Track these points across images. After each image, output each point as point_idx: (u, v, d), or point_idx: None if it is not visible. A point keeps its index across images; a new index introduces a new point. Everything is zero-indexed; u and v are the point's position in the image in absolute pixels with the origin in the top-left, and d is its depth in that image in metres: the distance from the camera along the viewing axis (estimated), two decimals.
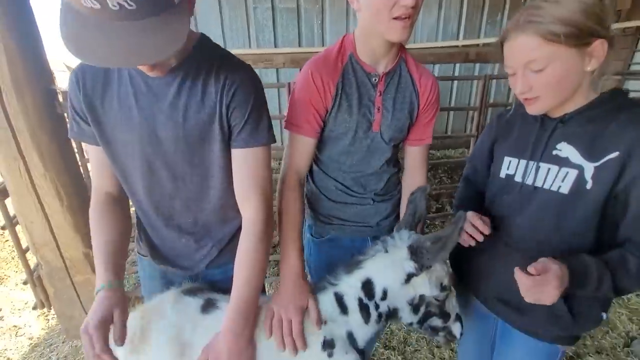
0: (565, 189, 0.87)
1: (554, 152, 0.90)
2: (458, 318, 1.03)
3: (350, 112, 1.12)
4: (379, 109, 1.14)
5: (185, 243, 1.06)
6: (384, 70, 1.12)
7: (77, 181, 1.91)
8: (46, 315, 2.33)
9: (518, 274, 0.80)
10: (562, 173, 0.87)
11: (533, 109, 0.90)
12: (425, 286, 0.95)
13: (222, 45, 1.00)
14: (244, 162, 0.95)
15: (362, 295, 0.97)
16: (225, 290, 1.03)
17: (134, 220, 1.12)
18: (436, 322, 1.00)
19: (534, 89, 0.84)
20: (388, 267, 0.95)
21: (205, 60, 0.90)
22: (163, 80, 0.88)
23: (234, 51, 0.98)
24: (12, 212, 1.98)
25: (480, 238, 0.94)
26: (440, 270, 0.95)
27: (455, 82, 5.01)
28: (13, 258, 3.00)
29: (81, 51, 0.64)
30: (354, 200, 1.27)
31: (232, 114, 0.91)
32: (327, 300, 1.00)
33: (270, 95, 4.34)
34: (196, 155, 0.94)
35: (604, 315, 0.96)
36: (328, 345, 0.96)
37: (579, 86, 0.85)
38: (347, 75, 1.11)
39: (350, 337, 0.99)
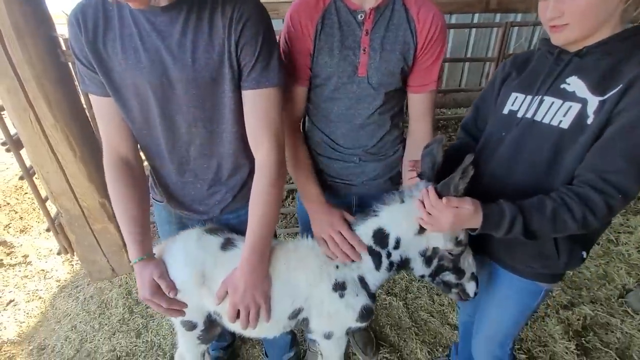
0: (565, 123, 0.85)
1: (562, 86, 0.88)
2: (474, 277, 1.03)
3: (331, 55, 1.04)
4: (364, 50, 1.04)
5: (200, 188, 1.09)
6: (372, 6, 1.01)
7: (87, 132, 1.94)
8: (70, 261, 2.49)
9: (423, 195, 0.90)
10: (565, 107, 0.86)
11: (559, 38, 0.87)
12: (439, 239, 0.95)
13: None
14: (255, 104, 0.94)
15: (372, 243, 1.01)
16: (241, 233, 1.09)
17: (147, 171, 1.14)
18: (449, 277, 1.01)
19: (566, 14, 0.81)
20: (402, 218, 0.97)
21: None
22: (167, 17, 0.84)
23: None
24: (28, 163, 2.04)
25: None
26: None
27: (473, 32, 4.70)
28: (34, 209, 3.15)
29: None
30: (338, 155, 1.22)
31: (242, 52, 0.88)
32: None
33: None
34: (208, 99, 0.93)
35: (584, 253, 0.99)
36: (339, 287, 1.03)
37: (610, 18, 0.81)
38: (328, 15, 1.03)
39: (362, 281, 1.05)
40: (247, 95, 0.94)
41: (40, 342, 1.91)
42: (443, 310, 2.06)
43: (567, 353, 1.78)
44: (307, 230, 1.17)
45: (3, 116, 1.94)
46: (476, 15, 4.47)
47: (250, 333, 1.10)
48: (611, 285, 2.18)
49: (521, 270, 1.06)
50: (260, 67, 0.90)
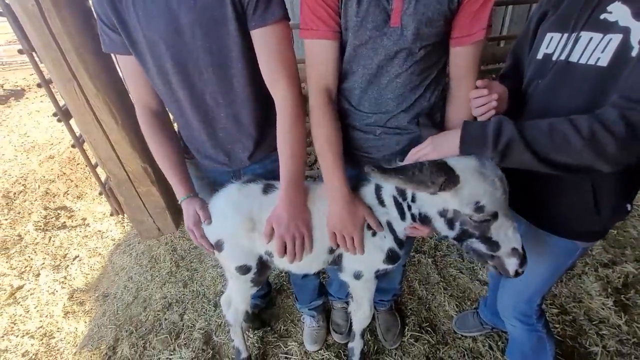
0: (604, 60, 0.76)
1: (602, 17, 0.77)
2: (516, 254, 0.88)
3: (360, 0, 0.91)
4: None
5: (222, 138, 1.14)
6: None
7: (126, 102, 2.05)
8: (122, 222, 2.75)
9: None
10: (605, 41, 0.76)
11: None
12: (453, 201, 0.86)
13: None
14: (266, 41, 0.95)
15: (395, 193, 1.00)
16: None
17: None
18: (478, 245, 0.90)
19: None
20: None
21: None
22: None
23: None
24: (77, 133, 2.22)
25: (494, 103, 0.90)
26: (476, 187, 0.83)
27: None
28: (86, 178, 3.45)
29: None
30: (357, 124, 1.10)
31: None
32: (369, 191, 1.07)
33: None
34: (214, 42, 0.95)
35: (628, 206, 0.92)
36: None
37: None
38: None
39: (390, 226, 1.07)
40: (256, 35, 0.95)
41: (104, 290, 2.19)
42: (472, 267, 2.06)
43: (603, 309, 1.74)
44: None
45: (52, 89, 2.09)
46: None
47: (296, 268, 1.18)
48: None
49: (556, 228, 1.01)
50: (264, 3, 0.91)
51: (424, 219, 0.97)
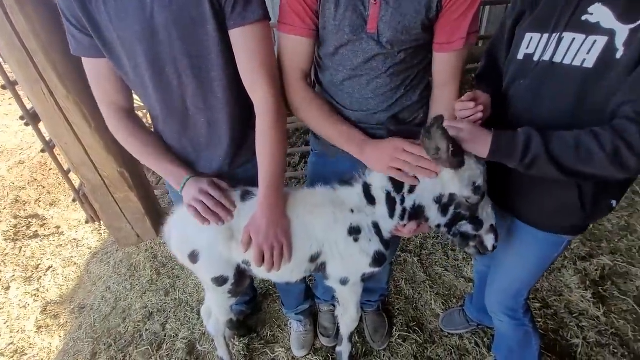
0: (590, 62, 0.77)
1: (584, 18, 0.78)
2: (493, 230, 0.98)
3: (337, 4, 0.92)
4: (376, 0, 0.90)
5: (202, 144, 1.09)
6: None
7: None
8: (99, 230, 2.64)
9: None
10: (589, 43, 0.77)
11: None
12: (454, 183, 0.90)
13: None
14: (245, 41, 0.92)
15: (389, 187, 0.99)
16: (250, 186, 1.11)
17: None
18: (466, 227, 0.97)
19: None
20: None
21: None
22: None
23: None
24: (47, 137, 2.10)
25: (480, 115, 0.92)
26: (475, 169, 0.89)
27: None
28: (59, 184, 3.29)
29: None
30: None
31: None
32: (354, 193, 1.05)
33: None
34: (192, 43, 0.91)
35: (614, 202, 0.94)
36: (354, 231, 1.04)
37: None
38: None
39: (376, 226, 1.06)
40: (235, 35, 0.92)
41: (80, 302, 2.08)
42: (458, 264, 2.09)
43: (582, 301, 1.79)
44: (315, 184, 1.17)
45: (19, 91, 1.97)
46: None
47: (276, 277, 1.14)
48: (633, 237, 2.14)
49: (543, 223, 1.03)
50: (243, 1, 0.88)
51: (417, 210, 0.99)
